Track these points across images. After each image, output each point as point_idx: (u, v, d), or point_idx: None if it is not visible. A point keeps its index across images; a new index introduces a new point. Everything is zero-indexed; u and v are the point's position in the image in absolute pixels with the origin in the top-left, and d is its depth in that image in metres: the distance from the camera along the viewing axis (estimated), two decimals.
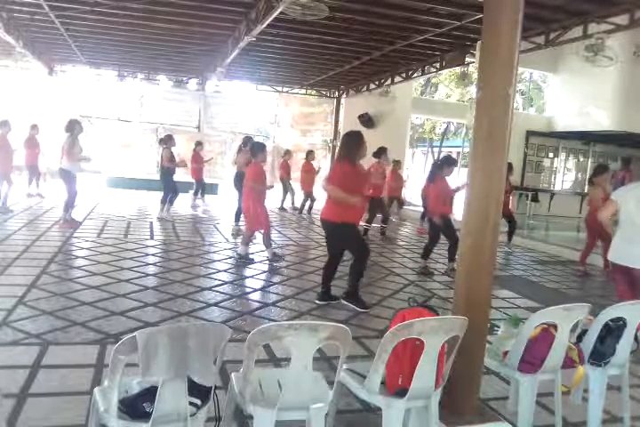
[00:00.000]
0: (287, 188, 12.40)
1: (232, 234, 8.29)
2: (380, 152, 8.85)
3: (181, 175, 12.00)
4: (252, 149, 6.42)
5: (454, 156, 15.83)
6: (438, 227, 6.33)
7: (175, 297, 4.56)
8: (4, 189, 8.77)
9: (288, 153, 12.71)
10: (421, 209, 13.02)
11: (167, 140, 9.39)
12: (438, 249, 8.37)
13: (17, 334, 3.42)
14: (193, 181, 12.33)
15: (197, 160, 12.03)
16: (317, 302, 4.72)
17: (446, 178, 6.45)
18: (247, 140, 8.60)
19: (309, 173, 11.69)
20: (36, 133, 10.61)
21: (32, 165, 10.69)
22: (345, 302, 4.69)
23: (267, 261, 6.33)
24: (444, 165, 6.48)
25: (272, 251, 6.41)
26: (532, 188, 14.73)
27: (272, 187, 6.67)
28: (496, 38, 2.49)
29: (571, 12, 7.27)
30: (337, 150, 4.83)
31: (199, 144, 12.33)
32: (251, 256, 6.43)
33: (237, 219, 8.69)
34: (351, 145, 4.57)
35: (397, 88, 13.36)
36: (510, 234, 8.91)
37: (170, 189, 9.40)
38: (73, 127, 7.46)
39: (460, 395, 2.54)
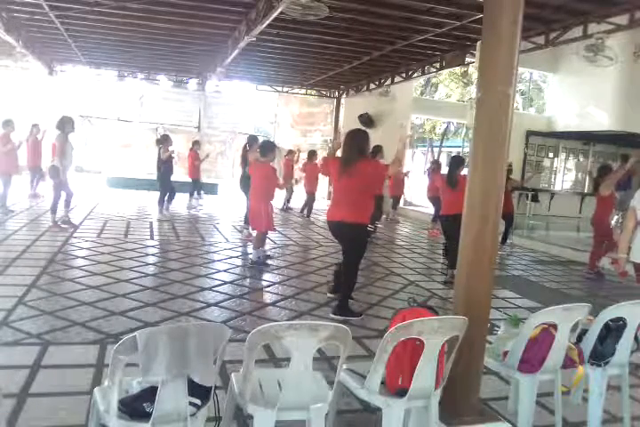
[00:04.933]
0: (289, 187, 12.37)
1: (241, 239, 8.12)
2: (376, 151, 8.81)
3: (179, 175, 12.01)
4: (262, 149, 6.21)
5: (453, 155, 15.87)
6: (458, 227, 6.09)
7: (175, 297, 4.55)
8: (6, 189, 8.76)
9: (291, 153, 12.70)
10: (421, 210, 13.08)
11: (164, 141, 9.40)
12: (438, 249, 8.40)
13: (17, 334, 3.42)
14: (190, 180, 12.34)
15: (195, 160, 12.03)
16: (334, 315, 4.37)
17: (463, 175, 6.30)
18: (252, 139, 8.47)
19: (313, 173, 11.64)
20: (37, 133, 10.60)
21: (34, 165, 10.67)
22: (335, 317, 4.32)
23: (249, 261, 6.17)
24: (461, 165, 6.25)
25: (258, 254, 6.17)
26: (532, 188, 14.72)
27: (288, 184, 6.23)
28: (496, 38, 2.49)
29: (571, 12, 7.28)
30: (345, 149, 4.50)
31: (196, 143, 12.35)
32: (266, 261, 6.23)
33: (247, 221, 8.58)
34: (361, 143, 4.43)
35: (397, 88, 13.36)
36: (505, 236, 8.73)
37: (167, 189, 9.40)
38: (64, 125, 7.37)
39: (459, 395, 2.54)
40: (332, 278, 4.86)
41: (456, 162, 6.40)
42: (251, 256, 6.23)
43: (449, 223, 6.26)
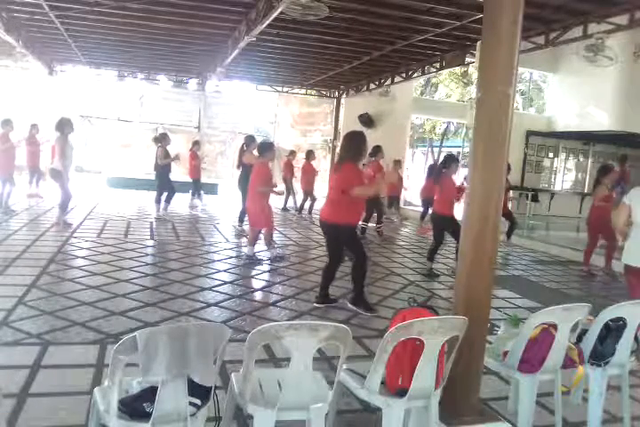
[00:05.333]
0: (290, 188, 12.40)
1: (235, 235, 8.27)
2: (376, 151, 8.84)
3: (179, 175, 12.01)
4: (260, 148, 6.42)
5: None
6: (443, 228, 6.28)
7: (175, 297, 4.55)
8: (7, 189, 8.76)
9: (292, 153, 12.74)
10: (421, 209, 13.11)
11: (161, 139, 9.38)
12: (439, 249, 8.39)
13: (17, 334, 3.42)
14: (191, 180, 12.33)
15: (195, 160, 12.02)
16: (316, 304, 4.67)
17: (452, 177, 6.41)
18: (249, 139, 8.55)
19: (309, 173, 11.71)
20: (36, 133, 10.60)
21: (33, 165, 10.68)
22: (352, 307, 4.60)
23: (268, 262, 6.35)
24: (452, 163, 6.39)
25: (274, 251, 6.43)
26: (532, 188, 14.72)
27: (282, 192, 6.82)
28: (496, 38, 2.49)
29: (571, 12, 7.27)
30: (341, 150, 4.68)
31: (196, 144, 12.34)
32: (259, 256, 6.47)
33: (241, 220, 8.67)
34: (358, 145, 4.52)
35: (397, 88, 13.35)
36: (509, 233, 8.93)
37: (165, 188, 9.38)
38: (63, 127, 7.38)
39: (460, 395, 2.54)
40: (320, 286, 4.81)
41: (444, 162, 6.52)
42: (267, 254, 6.45)
43: (435, 221, 6.50)
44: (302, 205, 11.80)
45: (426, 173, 11.28)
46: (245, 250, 6.55)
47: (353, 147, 4.52)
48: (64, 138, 7.36)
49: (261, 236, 6.65)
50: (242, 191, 8.41)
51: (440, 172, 6.48)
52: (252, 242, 6.43)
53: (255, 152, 7.33)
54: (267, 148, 6.36)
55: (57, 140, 7.40)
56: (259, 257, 6.42)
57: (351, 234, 4.61)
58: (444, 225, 6.27)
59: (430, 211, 10.63)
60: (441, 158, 10.17)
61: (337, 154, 4.61)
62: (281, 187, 12.22)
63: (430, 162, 11.58)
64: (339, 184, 4.44)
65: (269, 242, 6.43)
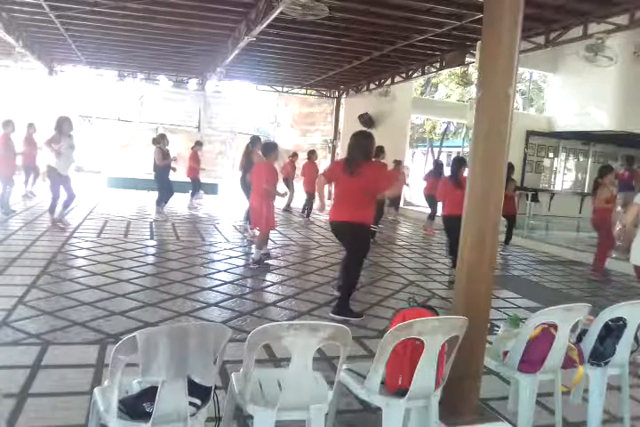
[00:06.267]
0: (291, 188, 12.36)
1: (245, 237, 8.11)
2: (378, 152, 8.82)
3: (179, 175, 11.99)
4: (264, 148, 6.37)
5: (454, 156, 15.99)
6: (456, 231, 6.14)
7: (175, 297, 4.55)
8: (7, 189, 8.75)
9: (295, 155, 12.73)
10: (421, 210, 13.13)
11: (160, 140, 9.37)
12: (439, 249, 8.41)
13: (17, 334, 3.42)
14: (189, 180, 12.31)
15: (195, 160, 12.00)
16: (334, 315, 4.35)
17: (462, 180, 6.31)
18: (255, 140, 8.48)
19: (313, 172, 11.65)
20: (33, 132, 10.57)
21: (29, 164, 10.64)
22: (336, 317, 4.30)
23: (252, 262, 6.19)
24: (463, 165, 6.25)
25: (260, 254, 6.22)
26: (532, 188, 14.72)
27: (286, 194, 6.72)
28: (496, 38, 2.49)
29: (571, 12, 7.28)
30: (351, 151, 4.49)
31: (198, 144, 12.32)
32: (266, 261, 6.28)
33: (249, 219, 8.58)
34: (367, 145, 4.42)
35: (397, 88, 13.35)
36: (507, 238, 8.71)
37: (165, 189, 9.36)
38: (61, 125, 7.32)
39: (459, 395, 2.54)
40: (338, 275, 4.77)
41: (457, 162, 6.44)
42: (252, 256, 6.26)
43: (447, 224, 6.32)
44: (307, 207, 11.70)
45: (429, 171, 11.31)
46: (253, 255, 6.30)
47: (360, 146, 4.38)
48: (61, 136, 7.32)
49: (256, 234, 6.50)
50: (245, 191, 8.34)
51: (456, 175, 6.28)
52: (260, 246, 6.29)
53: (259, 153, 7.27)
54: (271, 148, 6.30)
55: (52, 138, 7.36)
56: (266, 262, 6.27)
57: (368, 235, 4.60)
58: (456, 225, 6.09)
59: (436, 212, 10.71)
60: (441, 158, 10.21)
61: (337, 154, 4.48)
62: (282, 188, 12.22)
63: (431, 162, 11.60)
64: (372, 184, 4.26)
65: (261, 244, 6.28)
